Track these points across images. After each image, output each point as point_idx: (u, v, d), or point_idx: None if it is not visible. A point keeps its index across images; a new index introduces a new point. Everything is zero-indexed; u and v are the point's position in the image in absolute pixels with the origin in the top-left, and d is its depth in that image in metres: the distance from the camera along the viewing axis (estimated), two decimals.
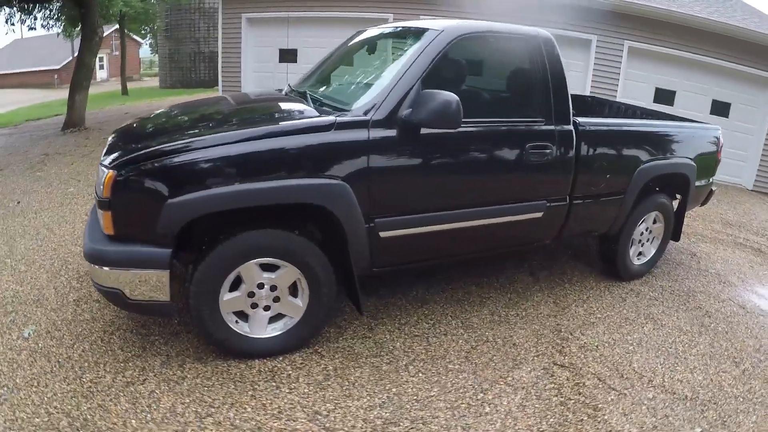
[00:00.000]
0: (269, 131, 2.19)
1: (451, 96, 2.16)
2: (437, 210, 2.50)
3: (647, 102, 7.68)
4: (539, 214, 2.78)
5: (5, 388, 2.11)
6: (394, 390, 2.27)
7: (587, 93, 7.48)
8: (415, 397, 2.23)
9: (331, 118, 2.26)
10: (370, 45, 2.99)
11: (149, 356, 2.35)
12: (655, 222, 3.51)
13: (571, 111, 2.76)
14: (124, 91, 17.15)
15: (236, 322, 2.32)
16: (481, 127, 2.58)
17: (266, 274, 2.28)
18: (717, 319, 3.18)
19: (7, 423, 1.93)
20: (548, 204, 2.80)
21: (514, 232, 2.83)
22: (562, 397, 2.30)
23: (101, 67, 29.11)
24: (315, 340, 2.57)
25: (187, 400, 2.09)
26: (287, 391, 2.20)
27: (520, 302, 3.14)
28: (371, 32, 3.09)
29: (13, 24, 9.59)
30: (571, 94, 2.78)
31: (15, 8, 9.11)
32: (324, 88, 2.87)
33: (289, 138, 2.18)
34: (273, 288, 2.32)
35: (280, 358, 2.41)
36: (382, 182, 2.32)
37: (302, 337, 2.45)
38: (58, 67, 27.65)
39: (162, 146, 2.09)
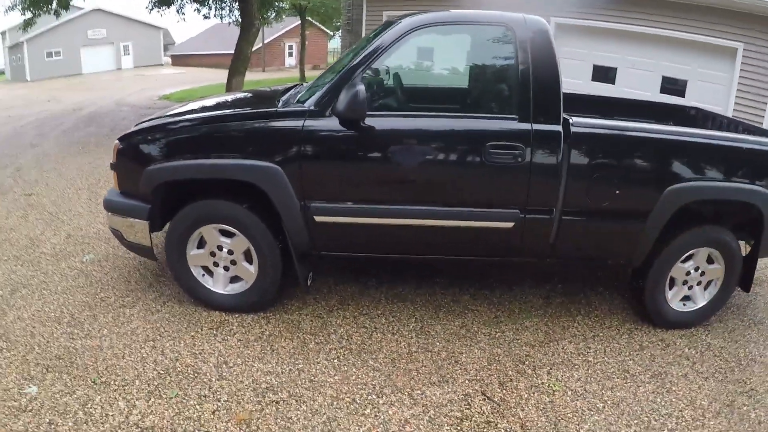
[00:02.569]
0: (219, 116, 2.58)
1: (359, 87, 2.19)
2: (376, 203, 2.46)
3: None
4: (508, 225, 2.44)
5: (46, 286, 2.97)
6: (300, 365, 2.36)
7: (730, 112, 5.91)
8: (311, 377, 2.29)
9: (273, 108, 2.50)
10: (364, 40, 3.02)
11: (150, 291, 2.94)
12: (710, 262, 2.65)
13: (560, 109, 2.33)
14: (302, 77, 19.08)
15: (203, 275, 2.74)
16: (427, 121, 2.46)
17: (224, 239, 2.63)
18: (760, 402, 2.27)
19: (33, 308, 2.72)
20: (522, 215, 2.44)
21: (476, 240, 2.56)
22: (456, 430, 2.04)
23: (290, 54, 32.25)
24: (274, 307, 2.80)
25: (149, 327, 2.59)
26: (219, 340, 2.53)
27: (505, 323, 2.79)
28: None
29: (183, 14, 10.99)
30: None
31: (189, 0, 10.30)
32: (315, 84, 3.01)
33: (233, 123, 2.52)
34: (231, 252, 2.64)
35: (236, 315, 2.74)
36: (313, 168, 2.43)
37: (253, 301, 2.72)
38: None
39: (144, 125, 2.66)
